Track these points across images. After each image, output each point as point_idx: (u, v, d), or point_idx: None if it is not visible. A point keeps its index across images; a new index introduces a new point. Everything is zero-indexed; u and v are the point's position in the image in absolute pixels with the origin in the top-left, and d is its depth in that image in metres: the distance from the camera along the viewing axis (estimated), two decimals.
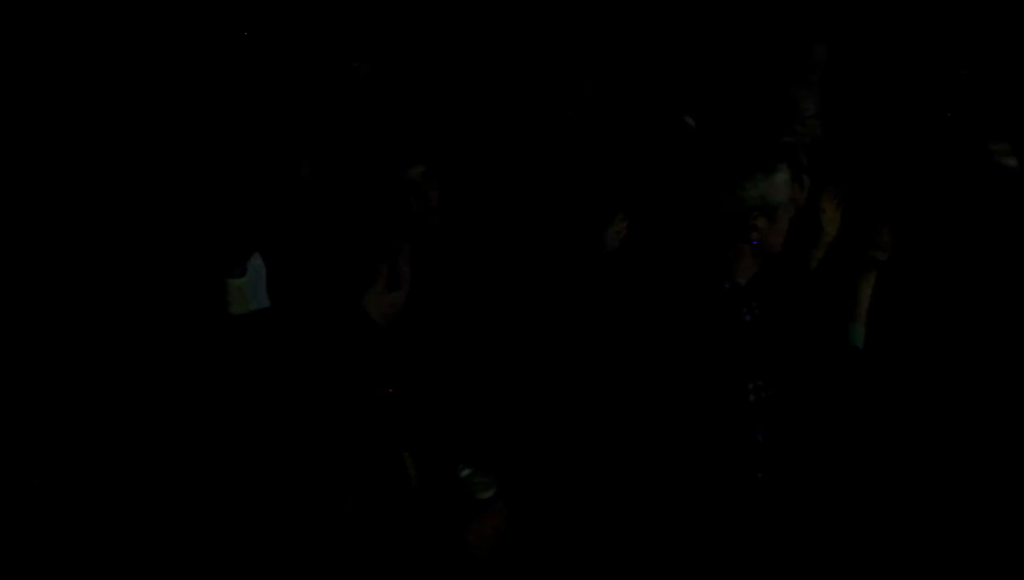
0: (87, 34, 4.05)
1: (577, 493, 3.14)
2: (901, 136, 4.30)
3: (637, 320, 2.74)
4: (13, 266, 3.30)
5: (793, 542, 2.67)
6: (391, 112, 4.39)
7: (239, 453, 2.00)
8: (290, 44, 4.76)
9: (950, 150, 3.94)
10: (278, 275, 2.85)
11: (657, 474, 2.68)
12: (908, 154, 4.07)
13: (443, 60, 4.97)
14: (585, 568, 2.99)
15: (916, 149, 4.09)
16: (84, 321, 3.21)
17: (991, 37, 4.78)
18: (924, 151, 4.04)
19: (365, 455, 1.92)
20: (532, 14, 5.10)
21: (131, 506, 2.95)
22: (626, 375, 2.75)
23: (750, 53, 4.94)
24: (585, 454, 3.10)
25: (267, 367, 2.11)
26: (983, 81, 4.53)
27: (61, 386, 3.11)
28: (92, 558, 2.91)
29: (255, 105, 4.13)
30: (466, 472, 2.14)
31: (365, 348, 2.01)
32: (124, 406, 3.06)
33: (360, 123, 4.26)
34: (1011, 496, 3.12)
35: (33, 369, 3.12)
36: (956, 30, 4.86)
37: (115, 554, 2.90)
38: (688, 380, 2.62)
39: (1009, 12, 4.87)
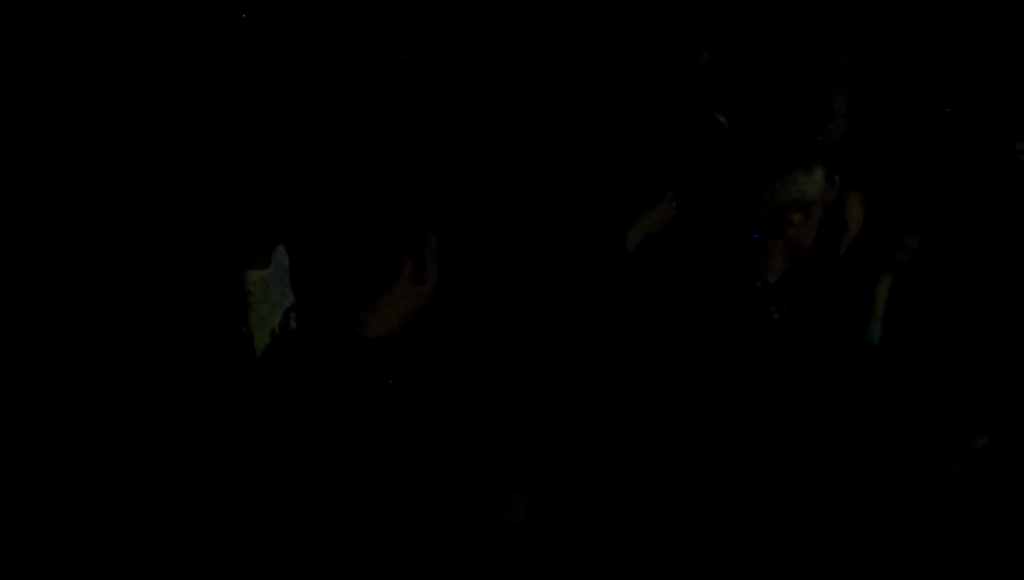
0: (111, 24, 4.08)
1: (587, 484, 3.15)
2: (926, 137, 4.27)
3: (666, 317, 2.75)
4: (26, 259, 3.33)
5: (793, 542, 2.67)
6: (427, 104, 4.40)
7: (240, 452, 2.01)
8: (324, 36, 4.77)
9: (975, 152, 3.91)
10: (303, 269, 2.87)
11: (660, 471, 2.69)
12: (933, 156, 4.04)
13: (476, 52, 4.97)
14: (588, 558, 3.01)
15: (941, 151, 4.06)
16: (96, 312, 3.24)
17: (1016, 38, 4.73)
18: (949, 153, 4.02)
19: (367, 453, 1.93)
20: (563, 11, 5.09)
21: (132, 506, 2.98)
22: (648, 369, 2.76)
23: (781, 51, 4.92)
24: (597, 446, 3.11)
25: (270, 367, 2.13)
26: (1007, 82, 4.49)
27: (65, 383, 3.13)
28: (93, 557, 2.94)
29: (287, 97, 4.14)
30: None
31: (368, 346, 2.02)
32: (128, 404, 3.08)
33: (395, 115, 4.26)
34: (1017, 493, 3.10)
35: (36, 366, 3.15)
36: (979, 32, 4.82)
37: (116, 553, 2.93)
38: (712, 378, 2.62)
39: None
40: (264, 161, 3.38)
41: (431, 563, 2.01)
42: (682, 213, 3.78)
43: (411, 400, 2.03)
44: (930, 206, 3.60)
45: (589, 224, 3.74)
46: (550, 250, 3.70)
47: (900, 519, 3.10)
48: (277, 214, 3.20)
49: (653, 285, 3.28)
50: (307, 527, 1.91)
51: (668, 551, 2.70)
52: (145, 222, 3.40)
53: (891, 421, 3.15)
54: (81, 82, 3.79)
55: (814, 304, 2.79)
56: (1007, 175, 3.66)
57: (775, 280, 2.70)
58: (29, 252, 3.35)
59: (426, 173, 3.20)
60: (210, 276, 3.12)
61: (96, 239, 3.39)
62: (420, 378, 2.11)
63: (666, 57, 4.81)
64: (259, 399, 2.05)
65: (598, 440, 3.23)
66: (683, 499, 2.68)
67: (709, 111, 4.52)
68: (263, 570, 1.95)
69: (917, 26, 4.97)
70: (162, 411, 3.05)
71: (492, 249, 3.73)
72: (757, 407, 2.63)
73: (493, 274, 3.70)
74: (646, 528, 2.77)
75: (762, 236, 2.67)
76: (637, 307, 3.36)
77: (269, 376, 2.11)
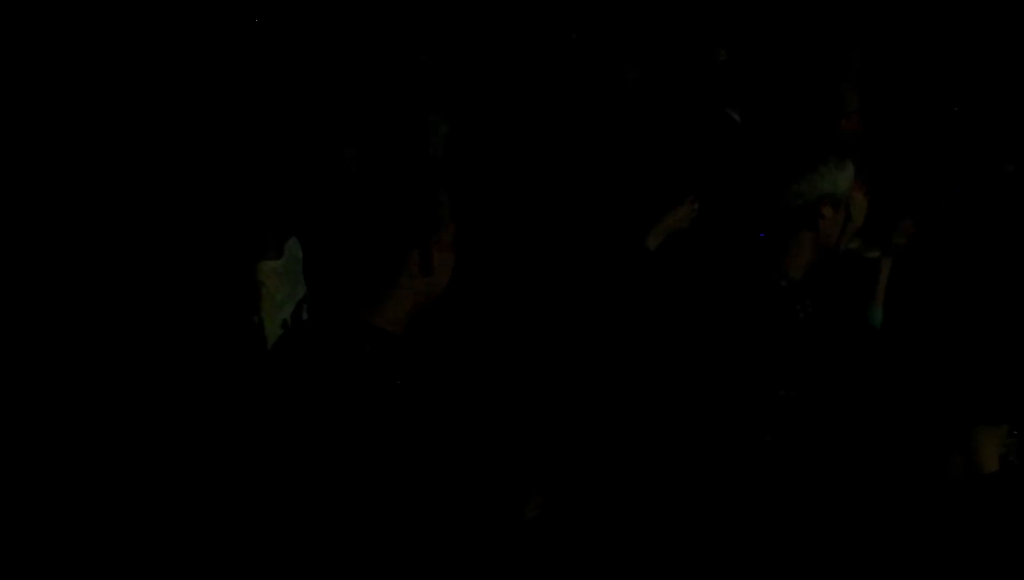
0: (123, 21, 4.09)
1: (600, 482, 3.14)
2: (927, 130, 4.27)
3: (690, 317, 2.73)
4: (31, 257, 3.33)
5: (793, 543, 2.64)
6: (445, 102, 4.39)
7: (243, 451, 2.00)
8: (339, 33, 4.78)
9: (973, 145, 3.91)
10: (314, 259, 2.87)
11: (666, 469, 2.67)
12: (933, 147, 4.04)
13: (491, 51, 4.97)
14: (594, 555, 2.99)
15: (940, 142, 4.05)
16: (111, 302, 3.24)
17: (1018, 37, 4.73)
18: (948, 144, 4.01)
19: (374, 453, 1.91)
20: (577, 9, 5.09)
21: (134, 506, 2.97)
22: (667, 370, 2.74)
23: (795, 48, 4.91)
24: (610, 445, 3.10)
25: (275, 366, 2.12)
26: (1008, 82, 4.49)
27: (70, 380, 3.13)
28: (95, 557, 2.94)
29: (300, 91, 4.15)
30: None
31: (375, 345, 2.00)
32: (132, 401, 3.07)
33: (408, 112, 4.27)
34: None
35: (42, 363, 3.14)
36: (981, 30, 4.82)
37: (119, 552, 2.92)
38: (734, 379, 2.59)
39: None
40: (276, 154, 3.38)
41: (446, 559, 1.99)
42: (703, 212, 3.76)
43: (427, 396, 2.02)
44: (931, 193, 3.59)
45: (610, 224, 3.72)
46: (571, 251, 3.68)
47: (906, 517, 3.09)
48: (289, 206, 3.20)
49: (676, 286, 3.26)
50: (317, 522, 1.90)
51: (679, 547, 2.69)
52: (159, 214, 3.40)
53: (895, 411, 3.13)
54: (97, 77, 3.81)
55: (837, 301, 2.76)
56: (1007, 173, 3.65)
57: (800, 277, 2.67)
58: (43, 245, 3.35)
59: (437, 169, 3.19)
60: (223, 267, 3.12)
61: (111, 231, 3.39)
62: (437, 374, 2.09)
63: (678, 55, 4.80)
64: (269, 389, 2.04)
65: (612, 439, 3.21)
66: (694, 498, 2.66)
67: (722, 107, 4.50)
68: (271, 566, 1.94)
69: (924, 25, 4.97)
70: (172, 400, 3.05)
71: (514, 249, 3.73)
72: (770, 406, 2.60)
73: (514, 274, 3.70)
74: (656, 524, 2.75)
75: (793, 230, 2.64)
76: (659, 308, 3.34)
77: (280, 366, 2.10)
